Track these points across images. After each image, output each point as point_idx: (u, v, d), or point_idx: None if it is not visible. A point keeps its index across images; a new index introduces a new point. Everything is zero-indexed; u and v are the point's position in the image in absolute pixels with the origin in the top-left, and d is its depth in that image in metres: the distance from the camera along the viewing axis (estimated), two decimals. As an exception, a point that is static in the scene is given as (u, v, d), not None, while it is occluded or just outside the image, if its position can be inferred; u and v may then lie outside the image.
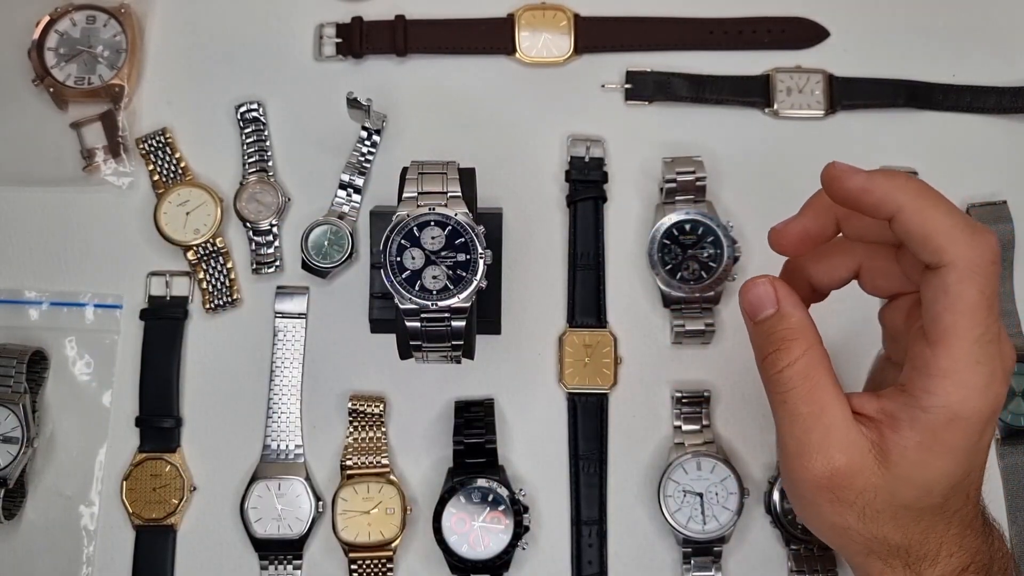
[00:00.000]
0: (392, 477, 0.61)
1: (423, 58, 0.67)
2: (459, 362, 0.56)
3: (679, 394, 0.61)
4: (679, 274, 0.61)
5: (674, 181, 0.62)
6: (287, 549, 0.60)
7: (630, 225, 0.64)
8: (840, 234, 0.42)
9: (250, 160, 0.65)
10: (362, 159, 0.65)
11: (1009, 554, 0.41)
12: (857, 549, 0.39)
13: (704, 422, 0.61)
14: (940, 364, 0.35)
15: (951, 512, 0.38)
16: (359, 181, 0.64)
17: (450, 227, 0.51)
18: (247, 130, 0.65)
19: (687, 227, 0.61)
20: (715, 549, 0.60)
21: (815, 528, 0.40)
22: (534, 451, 0.62)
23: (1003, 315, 0.63)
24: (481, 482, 0.59)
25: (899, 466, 0.36)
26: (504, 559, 0.58)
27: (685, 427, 0.61)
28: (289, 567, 0.61)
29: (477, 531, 0.58)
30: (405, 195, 0.51)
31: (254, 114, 0.65)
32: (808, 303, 0.42)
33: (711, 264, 0.61)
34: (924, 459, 0.36)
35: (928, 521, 0.38)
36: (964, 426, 0.35)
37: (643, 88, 0.66)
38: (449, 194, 0.51)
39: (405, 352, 0.54)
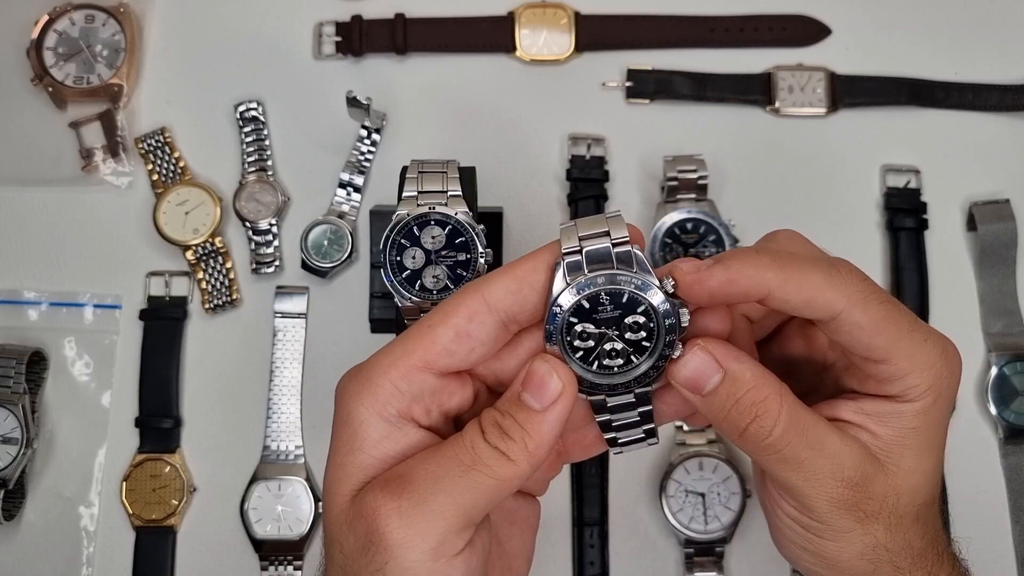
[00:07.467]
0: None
1: (423, 56, 0.67)
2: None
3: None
4: (680, 273, 0.61)
5: (675, 179, 0.62)
6: (287, 550, 0.60)
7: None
8: None
9: (249, 159, 0.64)
10: (362, 158, 0.64)
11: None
12: (886, 571, 0.37)
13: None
14: (900, 365, 0.35)
15: (937, 510, 0.38)
16: (359, 180, 0.64)
17: (450, 226, 0.50)
18: (246, 129, 0.65)
19: (689, 226, 0.61)
20: (717, 549, 0.60)
21: (845, 567, 0.37)
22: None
23: (1006, 314, 0.63)
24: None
25: (904, 457, 0.36)
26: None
27: (687, 427, 0.61)
28: (290, 568, 0.60)
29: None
30: (405, 194, 0.51)
31: (253, 113, 0.65)
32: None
33: (713, 263, 0.60)
34: (921, 443, 0.36)
35: (935, 517, 0.37)
36: (944, 402, 0.36)
37: (644, 86, 0.66)
38: (449, 193, 0.51)
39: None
